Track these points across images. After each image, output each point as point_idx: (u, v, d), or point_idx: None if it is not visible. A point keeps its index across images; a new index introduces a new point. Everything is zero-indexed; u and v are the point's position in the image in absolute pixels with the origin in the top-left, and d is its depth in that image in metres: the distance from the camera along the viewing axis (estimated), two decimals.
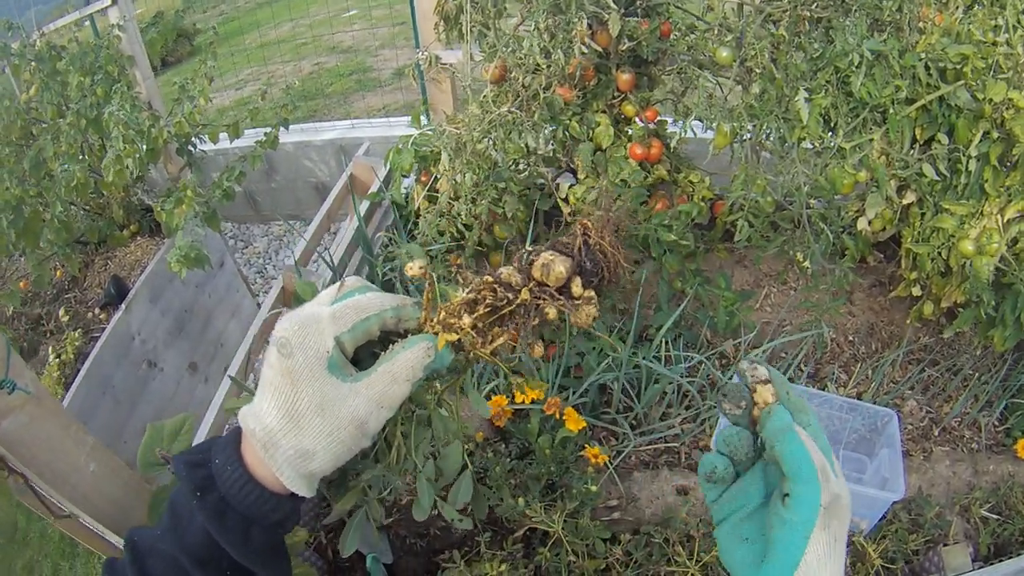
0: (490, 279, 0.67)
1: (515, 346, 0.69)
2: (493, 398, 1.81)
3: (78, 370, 2.95)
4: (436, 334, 0.66)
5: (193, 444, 1.56)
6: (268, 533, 0.65)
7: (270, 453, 0.61)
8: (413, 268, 0.67)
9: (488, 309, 0.66)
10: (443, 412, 0.77)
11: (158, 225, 3.36)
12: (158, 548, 0.65)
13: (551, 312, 0.67)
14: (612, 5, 1.83)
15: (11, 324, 3.40)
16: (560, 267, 0.66)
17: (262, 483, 0.63)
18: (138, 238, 3.59)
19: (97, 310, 3.34)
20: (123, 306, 3.11)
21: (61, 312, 3.33)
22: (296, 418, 0.61)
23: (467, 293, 0.67)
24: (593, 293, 0.69)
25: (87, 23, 3.48)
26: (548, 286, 0.67)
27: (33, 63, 3.01)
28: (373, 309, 0.64)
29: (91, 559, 3.05)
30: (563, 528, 1.63)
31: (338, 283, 0.67)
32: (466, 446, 1.85)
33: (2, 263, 3.60)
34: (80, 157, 2.96)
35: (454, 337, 0.66)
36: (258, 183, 4.76)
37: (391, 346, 0.66)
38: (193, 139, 3.07)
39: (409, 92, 5.53)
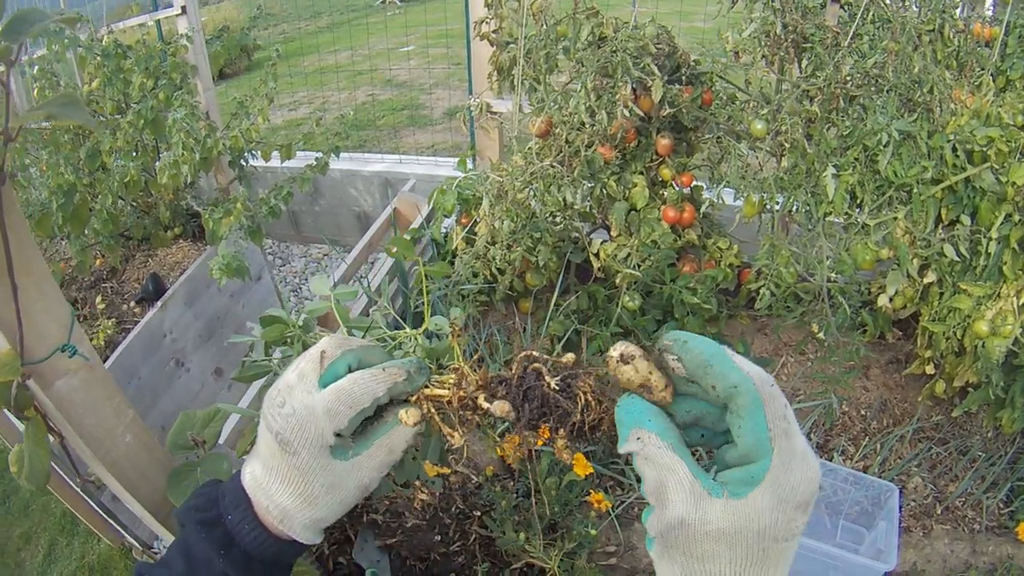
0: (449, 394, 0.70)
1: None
2: (507, 436, 1.86)
3: (106, 357, 3.04)
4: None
5: (219, 437, 1.63)
6: (286, 570, 0.73)
7: (287, 524, 0.68)
8: (409, 421, 0.69)
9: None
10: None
11: (202, 231, 3.46)
12: None
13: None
14: (656, 72, 1.92)
15: None
16: (497, 408, 0.67)
17: (278, 536, 0.69)
18: (180, 241, 3.71)
19: (132, 303, 3.45)
20: (159, 303, 3.22)
21: (98, 300, 3.44)
22: (310, 500, 0.67)
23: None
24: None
25: (151, 24, 3.62)
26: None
27: (99, 58, 3.13)
28: (366, 400, 0.66)
29: (90, 539, 3.06)
30: (559, 567, 1.67)
31: (319, 352, 0.68)
32: (476, 479, 1.91)
33: (41, 244, 3.72)
34: (134, 155, 3.09)
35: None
36: (303, 205, 4.88)
37: (384, 415, 0.70)
38: (246, 154, 3.19)
39: (457, 133, 5.63)
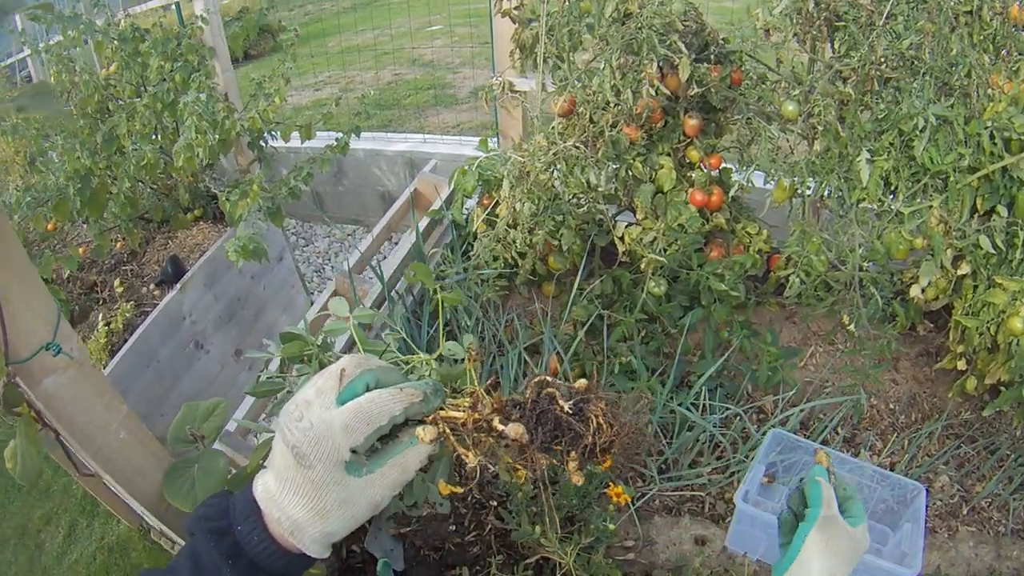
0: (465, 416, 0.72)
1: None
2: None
3: (125, 339, 3.05)
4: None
5: (224, 427, 1.63)
6: None
7: (298, 537, 0.69)
8: (426, 438, 0.70)
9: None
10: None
11: (222, 213, 3.46)
12: None
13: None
14: (683, 50, 1.85)
15: (66, 287, 3.53)
16: (512, 430, 0.69)
17: (288, 549, 0.70)
18: (201, 223, 3.70)
19: (152, 286, 3.45)
20: (178, 286, 3.22)
21: (117, 283, 3.45)
22: (322, 513, 0.68)
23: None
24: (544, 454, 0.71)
25: (172, 8, 3.61)
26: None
27: (116, 42, 3.11)
28: (383, 418, 0.68)
29: (110, 520, 3.10)
30: (575, 561, 1.63)
31: (338, 370, 0.70)
32: (492, 468, 1.88)
33: (64, 228, 3.74)
34: (153, 137, 3.08)
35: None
36: (326, 185, 4.87)
37: (399, 435, 0.71)
38: (265, 135, 3.17)
39: (483, 113, 5.59)
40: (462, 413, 0.71)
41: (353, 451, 0.67)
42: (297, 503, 0.68)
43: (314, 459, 0.66)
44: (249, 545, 0.69)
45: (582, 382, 0.72)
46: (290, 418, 0.68)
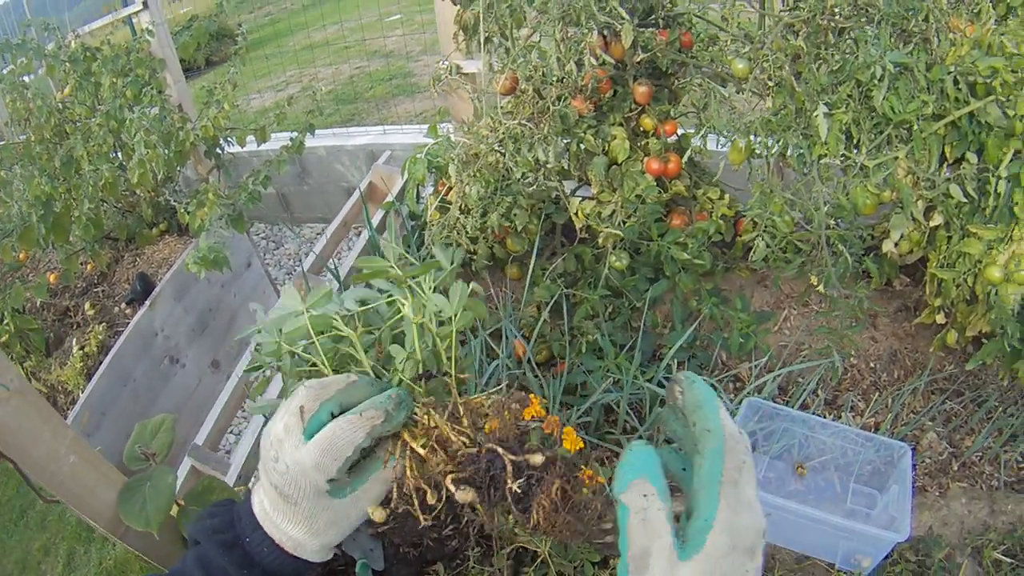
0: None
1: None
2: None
3: (100, 362, 3.01)
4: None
5: (172, 442, 1.62)
6: None
7: (300, 551, 0.74)
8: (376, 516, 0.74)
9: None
10: None
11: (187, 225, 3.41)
12: None
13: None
14: (624, 15, 1.78)
15: (40, 314, 3.49)
16: (461, 496, 0.70)
17: (296, 556, 0.74)
18: (166, 236, 3.65)
19: (123, 305, 3.40)
20: (147, 303, 3.17)
21: (87, 306, 3.40)
22: (317, 532, 0.73)
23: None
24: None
25: (126, 25, 3.56)
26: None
27: (67, 64, 3.07)
28: (348, 450, 0.69)
29: (106, 544, 3.10)
30: (551, 549, 1.58)
31: (297, 407, 0.71)
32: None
33: (35, 255, 3.70)
34: (112, 155, 3.02)
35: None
36: (291, 186, 4.82)
37: (376, 450, 0.74)
38: (221, 142, 3.11)
39: (446, 99, 5.53)
40: (423, 450, 0.73)
41: (332, 479, 0.70)
42: (293, 527, 0.72)
43: (297, 497, 0.70)
44: (260, 555, 0.74)
45: (537, 458, 0.69)
46: (267, 458, 0.71)
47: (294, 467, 0.69)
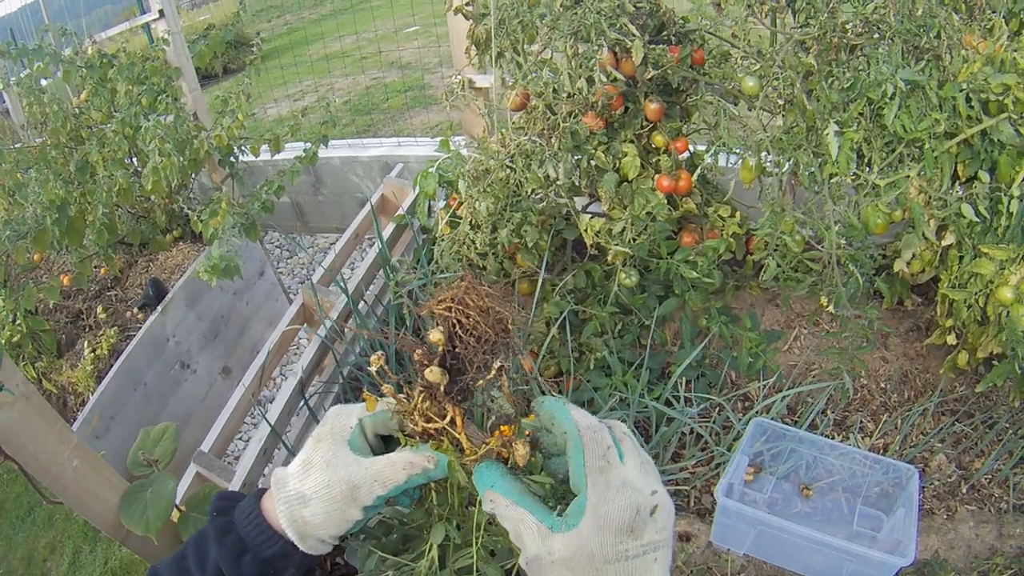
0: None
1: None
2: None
3: (111, 365, 3.04)
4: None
5: (175, 450, 1.67)
6: (258, 565, 0.79)
7: (278, 488, 0.78)
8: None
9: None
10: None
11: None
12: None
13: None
14: (635, 32, 1.78)
15: (52, 316, 3.52)
16: (430, 375, 0.77)
17: (267, 519, 0.79)
18: (180, 243, 3.68)
19: (136, 310, 3.43)
20: (160, 308, 3.19)
21: (99, 309, 3.43)
22: (307, 467, 0.77)
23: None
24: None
25: (144, 32, 3.61)
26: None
27: (84, 70, 3.10)
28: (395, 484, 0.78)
29: (112, 545, 3.13)
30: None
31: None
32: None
33: (50, 257, 3.74)
34: (127, 161, 3.05)
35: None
36: (305, 195, 4.85)
37: (400, 447, 0.81)
38: (235, 151, 3.13)
39: (460, 113, 5.55)
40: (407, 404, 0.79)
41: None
42: (296, 458, 0.80)
43: (327, 419, 0.82)
44: (238, 508, 0.81)
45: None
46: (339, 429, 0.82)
47: (346, 406, 0.82)
